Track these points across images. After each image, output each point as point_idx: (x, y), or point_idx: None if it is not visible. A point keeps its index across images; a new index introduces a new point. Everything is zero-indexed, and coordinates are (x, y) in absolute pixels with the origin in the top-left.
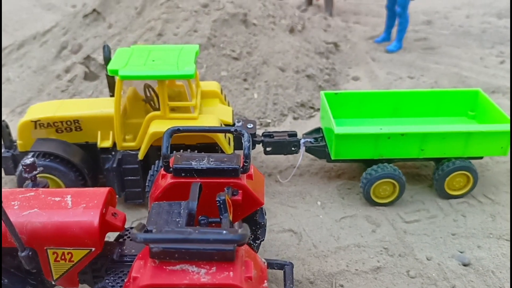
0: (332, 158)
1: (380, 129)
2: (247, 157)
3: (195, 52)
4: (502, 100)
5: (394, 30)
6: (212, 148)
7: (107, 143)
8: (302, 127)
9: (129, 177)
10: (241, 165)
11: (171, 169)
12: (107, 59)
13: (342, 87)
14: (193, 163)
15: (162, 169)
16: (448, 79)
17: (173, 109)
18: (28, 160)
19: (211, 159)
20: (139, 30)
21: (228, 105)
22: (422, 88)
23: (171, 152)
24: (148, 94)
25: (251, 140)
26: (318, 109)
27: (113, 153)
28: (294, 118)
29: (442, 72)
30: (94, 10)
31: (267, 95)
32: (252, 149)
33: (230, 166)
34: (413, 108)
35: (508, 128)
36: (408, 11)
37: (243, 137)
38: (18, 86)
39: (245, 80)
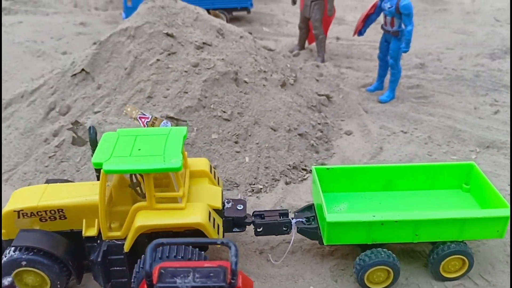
0: (325, 243)
1: (373, 217)
2: (234, 273)
3: (183, 137)
4: (497, 156)
5: (387, 79)
6: (199, 232)
7: (93, 231)
8: (294, 194)
9: (115, 268)
10: (228, 282)
11: (155, 287)
12: (93, 142)
13: (334, 143)
14: (177, 280)
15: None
16: (442, 133)
17: (160, 199)
18: (6, 281)
19: (196, 275)
20: (129, 91)
21: (218, 183)
22: (415, 144)
23: (155, 236)
24: (134, 180)
25: (238, 254)
26: (311, 171)
27: (98, 241)
28: (286, 183)
29: (436, 125)
30: (82, 69)
31: (258, 158)
32: (242, 230)
33: (216, 284)
34: (407, 182)
35: (504, 214)
36: (401, 61)
37: (230, 250)
38: (5, 149)
39: (236, 142)
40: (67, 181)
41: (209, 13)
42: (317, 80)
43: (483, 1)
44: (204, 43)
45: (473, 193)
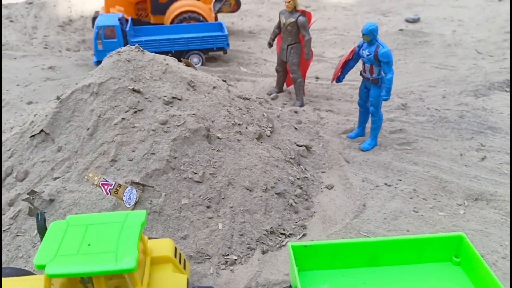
0: None
1: None
2: None
3: (141, 225)
4: (486, 210)
5: (369, 124)
6: None
7: None
8: (272, 265)
9: None
10: None
11: None
12: (42, 229)
13: (315, 200)
14: None
15: None
16: (428, 185)
17: None
18: None
19: None
20: (91, 154)
21: (184, 267)
22: (400, 198)
23: None
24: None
25: None
26: (290, 235)
27: None
28: (263, 252)
29: (421, 176)
30: (41, 130)
31: (232, 224)
32: None
33: None
34: (393, 256)
35: None
36: (382, 109)
37: None
38: None
39: (208, 207)
40: (22, 271)
41: (180, 61)
42: (296, 129)
43: (463, 31)
44: (173, 97)
45: (463, 266)
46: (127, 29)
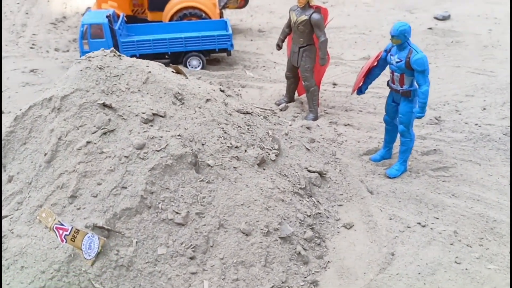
0: None
1: None
2: None
3: None
4: None
5: (397, 144)
6: None
7: None
8: None
9: None
10: None
11: None
12: None
13: (330, 244)
14: None
15: None
16: (472, 225)
17: None
18: None
19: None
20: (47, 187)
21: None
22: (438, 244)
23: None
24: None
25: None
26: None
27: None
28: None
29: (462, 213)
30: None
31: (222, 282)
32: None
33: None
34: None
35: None
36: (413, 127)
37: None
38: None
39: (192, 258)
40: None
41: (168, 66)
42: (308, 149)
43: (500, 31)
44: (154, 114)
45: None
46: (117, 27)
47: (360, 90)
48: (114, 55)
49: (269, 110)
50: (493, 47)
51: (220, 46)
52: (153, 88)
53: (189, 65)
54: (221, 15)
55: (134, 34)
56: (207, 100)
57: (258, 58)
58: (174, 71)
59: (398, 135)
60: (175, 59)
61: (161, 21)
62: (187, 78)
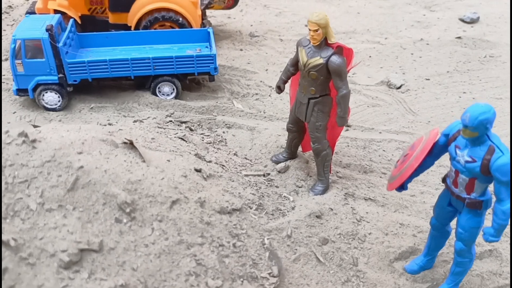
0: None
1: None
2: None
3: None
4: None
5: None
6: None
7: None
8: None
9: None
10: None
11: None
12: None
13: None
14: None
15: None
16: None
17: None
18: None
19: None
20: None
21: None
22: None
23: None
24: None
25: None
26: None
27: None
28: None
29: None
30: None
31: None
32: None
33: None
34: None
35: None
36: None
37: None
38: None
39: None
40: None
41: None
42: (320, 261)
43: None
44: (82, 249)
45: None
46: (61, 43)
47: (403, 187)
48: (24, 142)
49: (263, 175)
50: None
51: (201, 70)
52: (84, 198)
53: (159, 92)
54: (203, 16)
55: (87, 46)
56: (173, 202)
57: (250, 80)
58: (128, 142)
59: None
60: (141, 85)
61: (126, 24)
62: (143, 161)
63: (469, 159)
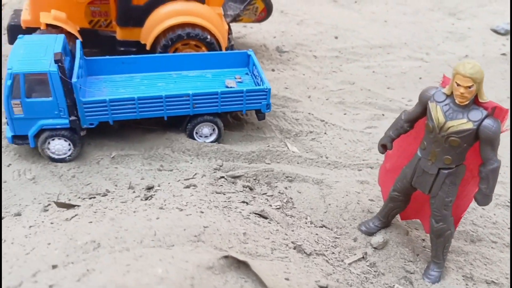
0: None
1: None
2: None
3: None
4: None
5: None
6: None
7: None
8: None
9: None
10: None
11: None
12: None
13: None
14: None
15: None
16: None
17: None
18: None
19: None
20: None
21: None
22: None
23: None
24: None
25: None
26: None
27: None
28: None
29: None
30: None
31: None
32: None
33: None
34: None
35: None
36: None
37: None
38: None
39: None
40: None
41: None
42: None
43: None
44: None
45: None
46: (75, 77)
47: None
48: None
49: (362, 258)
50: None
51: (250, 108)
52: None
53: (197, 134)
54: (229, 31)
55: (97, 73)
56: None
57: (296, 113)
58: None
59: None
60: (172, 122)
61: (138, 41)
62: None
63: None
